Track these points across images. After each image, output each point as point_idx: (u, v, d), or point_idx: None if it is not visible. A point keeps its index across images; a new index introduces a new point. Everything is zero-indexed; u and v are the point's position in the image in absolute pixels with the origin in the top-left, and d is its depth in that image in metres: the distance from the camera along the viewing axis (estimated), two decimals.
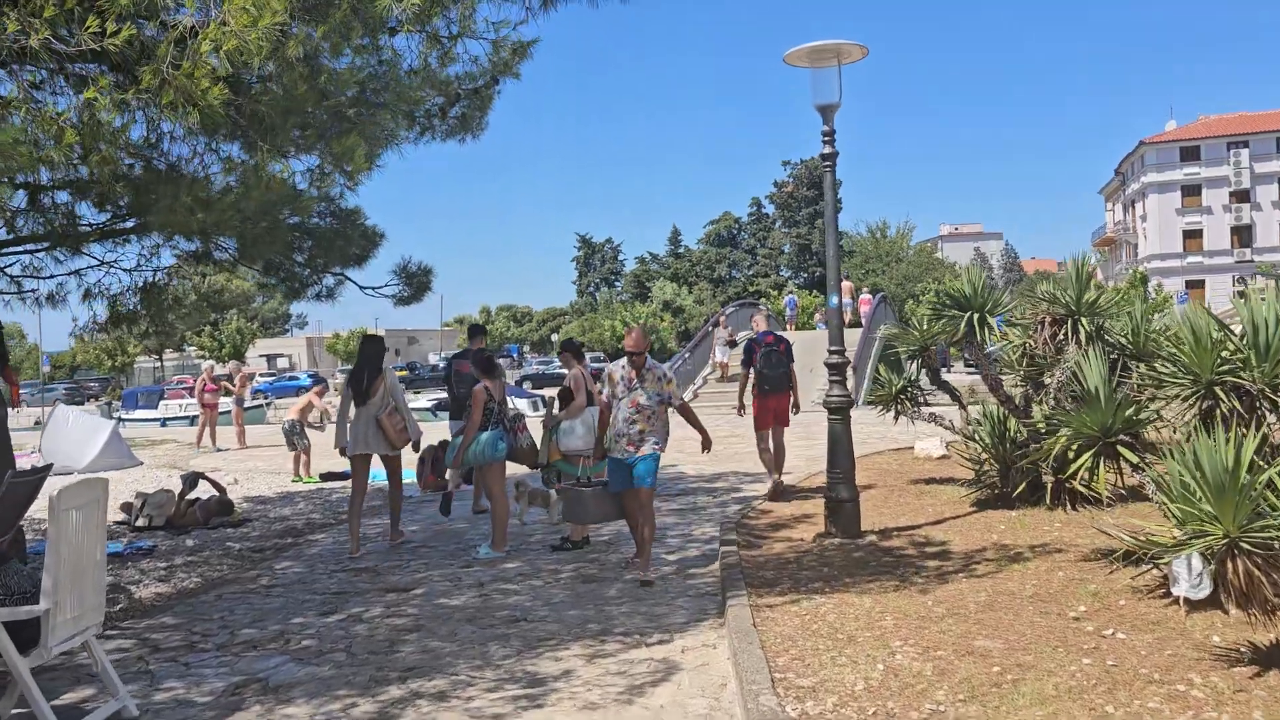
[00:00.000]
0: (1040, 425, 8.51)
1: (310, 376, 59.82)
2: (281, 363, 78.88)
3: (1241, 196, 66.45)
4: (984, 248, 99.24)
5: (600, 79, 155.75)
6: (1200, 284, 65.93)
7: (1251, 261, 64.55)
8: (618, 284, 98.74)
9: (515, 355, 78.98)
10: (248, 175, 5.29)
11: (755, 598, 6.25)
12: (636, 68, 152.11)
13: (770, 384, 10.34)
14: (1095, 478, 6.71)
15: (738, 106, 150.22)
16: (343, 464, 15.70)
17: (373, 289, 9.29)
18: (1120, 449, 6.44)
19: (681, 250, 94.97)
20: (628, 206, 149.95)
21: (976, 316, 8.49)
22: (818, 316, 42.52)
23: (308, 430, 14.38)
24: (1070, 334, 8.49)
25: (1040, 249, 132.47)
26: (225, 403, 21.78)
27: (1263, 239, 65.61)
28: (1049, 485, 8.63)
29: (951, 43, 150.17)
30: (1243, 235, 66.71)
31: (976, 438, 9.51)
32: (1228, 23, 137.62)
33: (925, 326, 9.66)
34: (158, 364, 69.85)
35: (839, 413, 8.09)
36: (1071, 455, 7.81)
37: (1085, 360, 7.09)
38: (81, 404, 52.90)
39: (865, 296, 35.42)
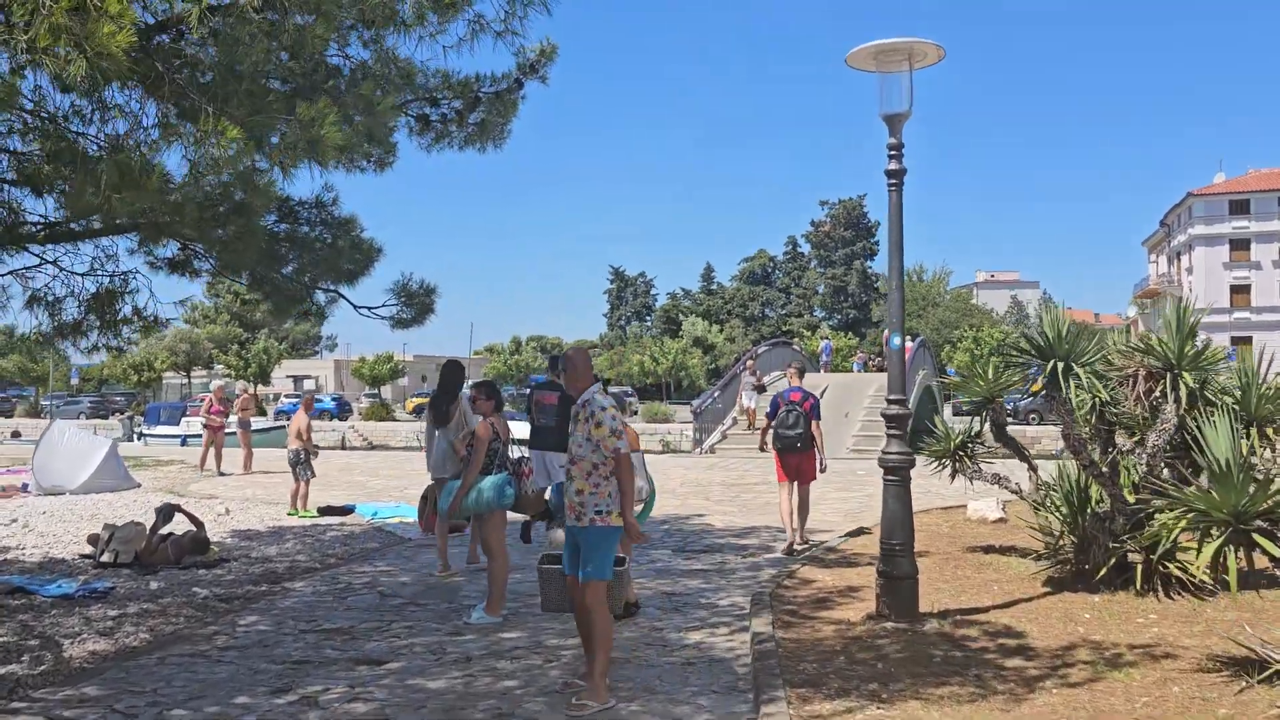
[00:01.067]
0: (1132, 496, 7.29)
1: (333, 399, 59.29)
2: (308, 384, 78.18)
3: None
4: (1020, 296, 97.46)
5: (634, 105, 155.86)
6: (1248, 340, 63.95)
7: None
8: (649, 319, 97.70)
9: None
10: (196, 149, 4.25)
11: (797, 703, 5.06)
12: (677, 92, 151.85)
13: (783, 443, 9.85)
14: (1221, 568, 5.51)
15: (778, 145, 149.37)
16: (341, 499, 14.94)
17: (368, 309, 8.23)
18: (1257, 538, 5.22)
19: (714, 287, 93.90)
20: (662, 241, 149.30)
21: (1061, 365, 7.30)
22: (856, 358, 41.21)
23: (312, 460, 13.41)
24: (1169, 391, 7.29)
25: (1077, 299, 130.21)
26: (232, 423, 20.95)
27: None
28: (1139, 566, 7.39)
29: (986, 89, 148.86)
30: None
31: (1049, 505, 8.30)
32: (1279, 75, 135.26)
33: (992, 375, 8.50)
34: (185, 381, 69.46)
35: (897, 474, 6.86)
36: (1169, 534, 6.59)
37: (1211, 426, 5.87)
38: (106, 418, 52.54)
39: (907, 344, 34.13)
